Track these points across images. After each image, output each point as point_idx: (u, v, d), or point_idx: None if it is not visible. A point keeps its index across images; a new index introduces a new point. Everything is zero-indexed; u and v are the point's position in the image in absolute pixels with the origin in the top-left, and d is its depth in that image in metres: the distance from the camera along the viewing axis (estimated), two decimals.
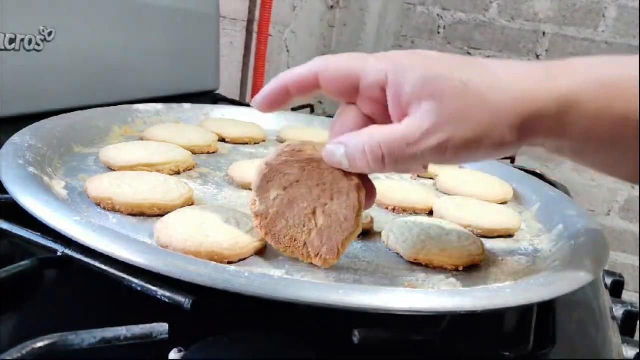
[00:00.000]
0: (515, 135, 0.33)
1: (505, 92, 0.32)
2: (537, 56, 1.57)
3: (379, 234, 0.45)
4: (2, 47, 0.58)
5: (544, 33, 1.56)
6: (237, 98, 1.21)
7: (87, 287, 0.36)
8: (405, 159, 0.33)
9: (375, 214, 0.48)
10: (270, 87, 0.36)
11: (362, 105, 0.36)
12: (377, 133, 0.34)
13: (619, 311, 0.52)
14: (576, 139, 0.34)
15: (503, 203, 0.58)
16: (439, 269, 0.41)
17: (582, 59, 0.34)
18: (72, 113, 0.59)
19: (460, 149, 0.33)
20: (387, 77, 0.34)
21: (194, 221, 0.39)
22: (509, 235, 0.50)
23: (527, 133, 0.33)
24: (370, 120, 0.36)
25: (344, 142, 0.35)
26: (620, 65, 0.33)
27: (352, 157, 0.34)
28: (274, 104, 0.37)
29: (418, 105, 0.33)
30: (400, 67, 0.33)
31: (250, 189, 0.51)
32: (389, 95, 0.34)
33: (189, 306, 0.31)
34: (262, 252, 0.39)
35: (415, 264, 0.41)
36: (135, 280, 0.33)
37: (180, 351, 0.29)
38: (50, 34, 0.64)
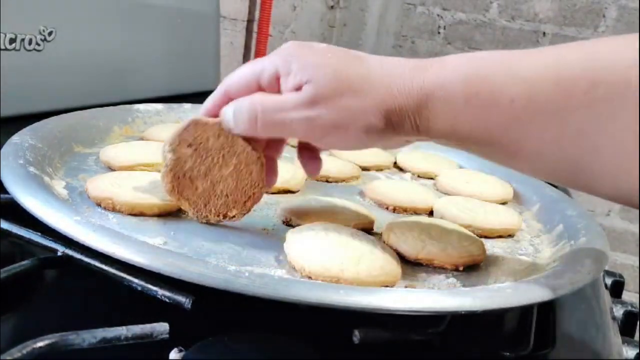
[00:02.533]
0: (382, 125, 0.36)
1: (372, 86, 0.35)
2: None
3: (380, 233, 0.45)
4: (2, 47, 0.58)
5: (544, 33, 1.56)
6: None
7: (87, 287, 0.36)
8: (276, 123, 0.37)
9: (375, 214, 0.48)
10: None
11: None
12: (260, 96, 0.38)
13: (619, 311, 0.52)
14: (445, 135, 0.36)
15: (503, 203, 0.58)
16: (439, 269, 0.41)
17: (460, 55, 0.36)
18: (72, 113, 0.59)
19: (327, 128, 0.36)
20: (278, 69, 0.37)
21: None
22: (509, 235, 0.50)
23: (395, 124, 0.36)
24: None
25: (234, 104, 0.39)
26: (493, 60, 0.34)
27: (236, 115, 0.38)
28: None
29: (300, 87, 0.36)
30: (289, 59, 0.37)
31: None
32: (281, 84, 0.37)
33: (189, 306, 0.31)
34: None
35: (415, 264, 0.41)
36: (136, 280, 0.33)
37: (180, 351, 0.29)
38: (50, 33, 0.64)
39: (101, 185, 0.44)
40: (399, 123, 0.36)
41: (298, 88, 0.36)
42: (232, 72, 0.40)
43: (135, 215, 0.42)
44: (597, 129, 0.30)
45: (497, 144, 0.34)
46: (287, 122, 0.36)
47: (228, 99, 0.40)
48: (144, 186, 0.44)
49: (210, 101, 0.41)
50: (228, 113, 0.39)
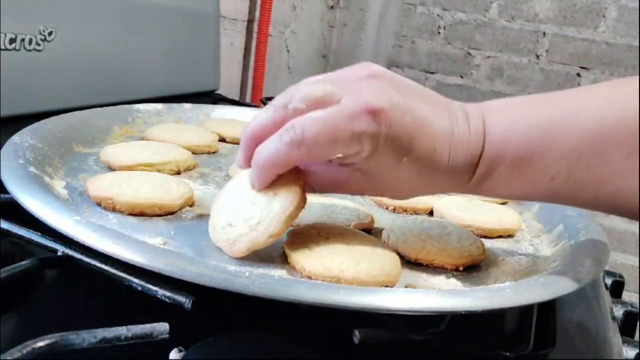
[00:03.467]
0: (426, 174, 0.36)
1: (440, 130, 0.35)
2: (537, 56, 1.57)
3: (380, 233, 0.45)
4: (2, 47, 0.58)
5: (544, 33, 1.56)
6: (237, 98, 1.21)
7: (88, 287, 0.36)
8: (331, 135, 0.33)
9: (375, 214, 0.48)
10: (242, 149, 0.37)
11: None
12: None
13: (619, 311, 0.52)
14: (493, 195, 0.38)
15: (503, 203, 0.58)
16: (439, 269, 0.41)
17: (502, 114, 0.36)
18: (72, 113, 0.59)
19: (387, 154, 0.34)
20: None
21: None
22: (509, 235, 0.50)
23: (442, 179, 0.36)
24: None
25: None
26: (536, 130, 0.34)
27: (268, 148, 0.35)
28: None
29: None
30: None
31: None
32: None
33: (189, 306, 0.31)
34: None
35: (416, 264, 0.41)
36: (136, 280, 0.33)
37: (180, 351, 0.29)
38: (50, 33, 0.64)
39: (101, 185, 0.44)
40: (449, 177, 0.36)
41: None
42: (253, 119, 0.36)
43: (135, 215, 0.42)
44: (632, 187, 0.33)
45: (548, 202, 0.38)
46: (353, 130, 0.32)
47: (257, 144, 0.36)
48: (144, 186, 0.44)
49: (241, 153, 0.37)
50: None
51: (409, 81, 0.36)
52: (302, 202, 0.37)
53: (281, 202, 0.37)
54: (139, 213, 0.42)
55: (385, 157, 0.34)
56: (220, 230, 0.38)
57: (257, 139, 0.35)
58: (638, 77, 0.33)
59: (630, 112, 0.32)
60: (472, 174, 0.36)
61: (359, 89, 0.33)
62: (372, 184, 0.37)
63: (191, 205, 0.45)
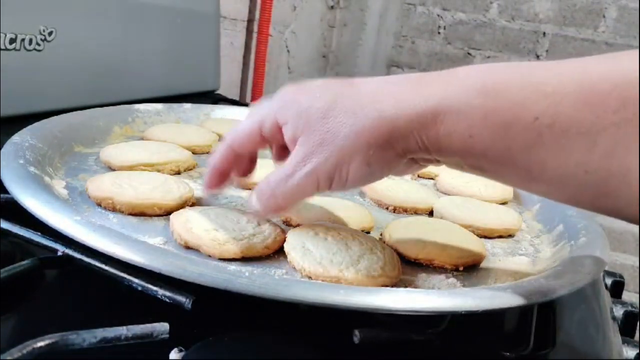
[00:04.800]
0: (382, 151, 0.33)
1: (364, 115, 0.33)
2: (538, 56, 1.57)
3: (380, 233, 0.45)
4: (2, 47, 0.58)
5: (544, 33, 1.56)
6: (237, 98, 1.21)
7: (88, 286, 0.36)
8: (289, 192, 0.36)
9: (375, 214, 0.48)
10: (209, 175, 0.41)
11: (276, 149, 0.40)
12: (269, 175, 0.37)
13: (619, 311, 0.52)
14: (458, 153, 0.33)
15: (503, 203, 0.58)
16: (439, 269, 0.41)
17: (471, 66, 0.33)
18: (72, 113, 0.59)
19: (330, 173, 0.34)
20: (277, 119, 0.36)
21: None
22: (509, 235, 0.50)
23: (399, 147, 0.33)
24: None
25: (254, 192, 0.38)
26: (512, 71, 0.32)
27: (260, 200, 0.37)
28: (220, 185, 0.41)
29: (297, 139, 0.35)
30: (285, 106, 0.36)
31: (251, 189, 0.52)
32: (284, 133, 0.36)
33: (189, 306, 0.31)
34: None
35: (415, 264, 0.41)
36: (136, 280, 0.33)
37: (180, 351, 0.29)
38: (50, 33, 0.64)
39: (101, 185, 0.44)
40: (404, 145, 0.33)
41: (295, 142, 0.35)
42: (233, 128, 0.39)
43: (135, 215, 0.42)
44: (626, 150, 0.28)
45: (516, 165, 0.32)
46: (297, 185, 0.35)
47: (234, 154, 0.39)
48: (144, 186, 0.44)
49: (217, 158, 0.40)
50: (253, 201, 0.38)
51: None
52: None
53: (271, 227, 0.40)
54: (139, 213, 0.42)
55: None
56: (202, 233, 0.38)
57: (222, 174, 0.41)
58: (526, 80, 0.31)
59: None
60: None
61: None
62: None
63: (191, 205, 0.45)
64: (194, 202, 0.46)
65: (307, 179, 0.35)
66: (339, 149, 0.34)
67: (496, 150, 0.32)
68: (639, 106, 0.28)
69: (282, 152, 0.39)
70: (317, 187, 0.35)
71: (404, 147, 0.33)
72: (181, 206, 0.44)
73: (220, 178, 0.41)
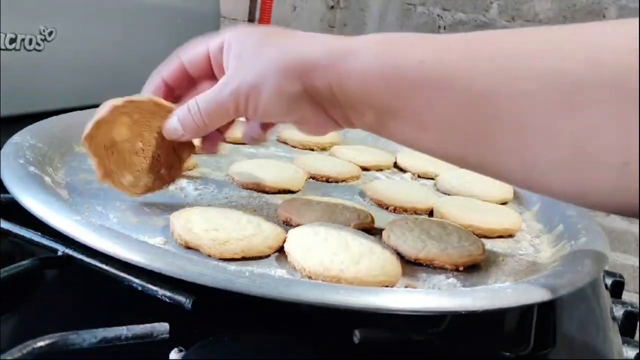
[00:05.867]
0: (292, 83, 0.37)
1: (285, 49, 0.37)
2: None
3: (380, 234, 0.45)
4: (2, 47, 0.58)
5: None
6: None
7: (88, 286, 0.36)
8: (214, 110, 0.39)
9: (375, 214, 0.48)
10: (148, 87, 0.45)
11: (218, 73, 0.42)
12: (199, 95, 0.40)
13: (619, 311, 0.52)
14: (356, 98, 0.36)
15: (503, 203, 0.58)
16: (439, 269, 0.41)
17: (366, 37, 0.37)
18: (72, 113, 0.59)
19: (248, 95, 0.38)
20: (223, 42, 0.40)
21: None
22: (509, 235, 0.50)
23: (308, 85, 0.37)
24: None
25: (175, 112, 0.42)
26: (409, 35, 0.36)
27: (182, 121, 0.41)
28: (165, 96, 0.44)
29: (229, 64, 0.40)
30: (231, 39, 0.40)
31: (251, 189, 0.52)
32: (223, 57, 0.40)
33: (189, 306, 0.31)
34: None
35: (416, 264, 0.41)
36: (136, 280, 0.33)
37: (180, 351, 0.29)
38: (50, 33, 0.64)
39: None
40: (311, 80, 0.36)
41: (227, 66, 0.39)
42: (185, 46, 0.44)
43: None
44: (498, 96, 0.31)
45: (406, 112, 0.35)
46: (222, 101, 0.39)
47: (182, 68, 0.44)
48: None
49: (158, 76, 0.45)
50: (173, 123, 0.42)
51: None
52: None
53: (272, 227, 0.40)
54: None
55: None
56: (202, 233, 0.38)
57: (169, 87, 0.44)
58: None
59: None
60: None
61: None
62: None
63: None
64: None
65: (229, 97, 0.38)
66: (258, 71, 0.37)
67: (388, 96, 0.35)
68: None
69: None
70: (236, 106, 0.39)
71: (312, 83, 0.37)
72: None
73: (166, 90, 0.44)
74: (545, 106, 0.30)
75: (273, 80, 0.37)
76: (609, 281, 0.59)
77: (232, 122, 0.44)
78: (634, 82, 0.28)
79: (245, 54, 0.38)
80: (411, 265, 0.41)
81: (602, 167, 0.30)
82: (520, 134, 0.32)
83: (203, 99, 0.40)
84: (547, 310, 0.40)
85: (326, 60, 0.36)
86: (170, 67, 0.44)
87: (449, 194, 0.59)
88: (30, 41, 0.61)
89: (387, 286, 0.36)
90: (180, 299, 0.32)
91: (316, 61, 0.36)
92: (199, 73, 0.43)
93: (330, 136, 0.70)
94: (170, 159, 0.45)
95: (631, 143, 0.28)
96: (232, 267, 0.34)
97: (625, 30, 0.29)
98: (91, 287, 0.36)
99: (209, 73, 0.42)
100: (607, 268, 0.55)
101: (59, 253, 0.35)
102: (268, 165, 0.55)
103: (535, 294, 0.34)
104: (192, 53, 0.43)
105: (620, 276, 0.60)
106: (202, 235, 0.37)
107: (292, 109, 0.38)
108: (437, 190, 0.61)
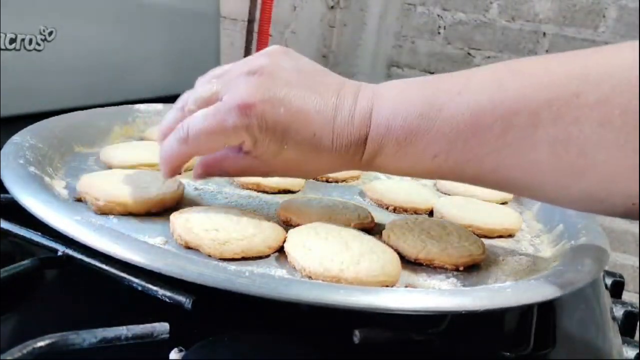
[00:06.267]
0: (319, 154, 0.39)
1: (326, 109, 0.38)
2: None
3: (380, 234, 0.45)
4: (2, 47, 0.58)
5: (544, 34, 1.56)
6: None
7: (88, 286, 0.36)
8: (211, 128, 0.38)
9: (375, 214, 0.48)
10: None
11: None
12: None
13: (619, 311, 0.52)
14: (387, 171, 0.40)
15: (503, 203, 0.58)
16: (439, 269, 0.41)
17: (389, 88, 0.39)
18: (72, 113, 0.59)
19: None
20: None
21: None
22: (509, 235, 0.50)
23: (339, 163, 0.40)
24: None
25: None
26: (421, 105, 0.36)
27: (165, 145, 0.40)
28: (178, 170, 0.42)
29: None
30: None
31: (250, 189, 0.52)
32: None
33: (189, 306, 0.31)
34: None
35: (416, 264, 0.41)
36: (136, 280, 0.33)
37: (180, 351, 0.29)
38: (50, 33, 0.64)
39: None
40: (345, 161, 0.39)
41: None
42: (163, 120, 0.42)
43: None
44: (510, 166, 0.35)
45: (434, 178, 0.41)
46: (226, 125, 0.37)
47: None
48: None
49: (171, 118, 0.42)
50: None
51: (294, 70, 0.39)
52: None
53: (272, 227, 0.40)
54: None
55: (267, 145, 0.38)
56: (202, 233, 0.38)
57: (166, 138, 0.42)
58: (517, 60, 0.36)
59: (502, 94, 0.34)
60: (361, 153, 0.38)
61: (237, 86, 0.38)
62: (270, 168, 0.40)
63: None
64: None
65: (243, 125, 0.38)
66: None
67: (414, 173, 0.40)
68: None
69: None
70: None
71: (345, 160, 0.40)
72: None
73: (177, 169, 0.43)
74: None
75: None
76: (609, 281, 0.59)
77: None
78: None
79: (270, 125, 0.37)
80: (411, 265, 0.41)
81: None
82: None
83: (196, 117, 0.39)
84: (547, 310, 0.40)
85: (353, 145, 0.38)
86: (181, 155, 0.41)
87: (449, 194, 0.59)
88: (30, 41, 0.61)
89: (387, 286, 0.36)
90: (180, 299, 0.32)
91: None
92: None
93: None
94: None
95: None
96: (232, 267, 0.34)
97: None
98: (91, 287, 0.36)
99: None
100: (607, 268, 0.55)
101: (59, 253, 0.35)
102: None
103: (535, 294, 0.34)
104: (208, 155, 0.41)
105: (620, 276, 0.60)
106: (202, 235, 0.37)
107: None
108: (437, 190, 0.61)
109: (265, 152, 0.38)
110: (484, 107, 0.34)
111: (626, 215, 0.33)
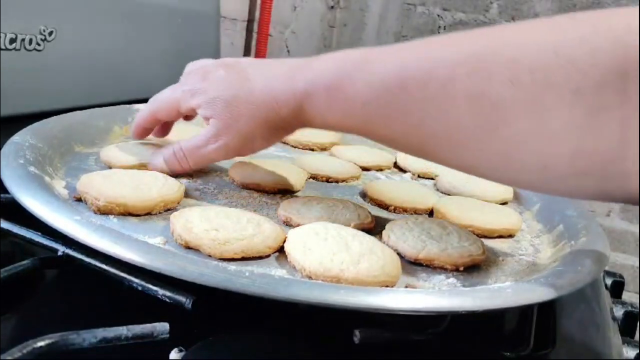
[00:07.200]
0: (273, 131, 0.45)
1: (257, 106, 0.43)
2: None
3: (380, 234, 0.45)
4: (3, 47, 0.58)
5: None
6: None
7: (88, 286, 0.36)
8: (201, 158, 0.47)
9: (375, 214, 0.48)
10: (135, 130, 0.52)
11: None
12: (183, 141, 0.48)
13: (619, 311, 0.52)
14: (320, 126, 0.43)
15: (503, 203, 0.58)
16: (439, 269, 0.41)
17: (329, 56, 0.42)
18: (72, 113, 0.59)
19: (238, 148, 0.46)
20: (191, 105, 0.46)
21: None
22: (509, 235, 0.50)
23: (283, 127, 0.45)
24: None
25: (161, 152, 0.49)
26: (352, 62, 0.40)
27: (168, 162, 0.48)
28: (143, 136, 0.53)
29: (208, 119, 0.46)
30: (194, 95, 0.46)
31: (251, 189, 0.52)
32: (198, 113, 0.47)
33: (189, 306, 0.31)
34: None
35: (415, 264, 0.41)
36: (136, 280, 0.33)
37: (180, 351, 0.29)
38: (50, 33, 0.64)
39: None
40: (286, 125, 0.44)
41: (207, 119, 0.46)
42: (158, 94, 0.49)
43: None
44: (432, 120, 0.36)
45: (361, 133, 0.42)
46: (208, 154, 0.46)
47: (155, 119, 0.51)
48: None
49: (140, 120, 0.51)
50: (159, 162, 0.49)
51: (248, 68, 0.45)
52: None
53: (272, 227, 0.41)
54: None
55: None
56: (202, 233, 0.38)
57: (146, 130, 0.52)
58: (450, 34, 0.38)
59: (427, 54, 0.37)
60: (290, 106, 0.42)
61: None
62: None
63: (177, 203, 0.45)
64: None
65: (217, 151, 0.46)
66: (243, 133, 0.44)
67: (343, 127, 0.42)
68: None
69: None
70: (225, 157, 0.47)
71: (286, 125, 0.44)
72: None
73: (144, 132, 0.52)
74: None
75: (259, 136, 0.45)
76: (609, 281, 0.59)
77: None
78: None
79: (222, 116, 0.44)
80: (411, 265, 0.41)
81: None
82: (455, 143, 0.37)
83: (189, 148, 0.47)
84: (547, 310, 0.40)
85: (291, 110, 0.42)
86: (145, 119, 0.51)
87: (449, 194, 0.59)
88: (30, 41, 0.61)
89: (387, 286, 0.36)
90: (180, 299, 0.32)
91: (285, 113, 0.42)
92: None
93: (331, 136, 0.70)
94: None
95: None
96: (232, 267, 0.34)
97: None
98: (91, 287, 0.36)
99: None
100: (607, 268, 0.55)
101: (59, 253, 0.35)
102: (268, 165, 0.55)
103: (535, 294, 0.34)
104: (163, 113, 0.49)
105: (620, 276, 0.60)
106: (202, 235, 0.37)
107: (278, 139, 0.48)
108: (437, 190, 0.61)
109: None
110: (409, 62, 0.37)
111: (539, 181, 0.35)
